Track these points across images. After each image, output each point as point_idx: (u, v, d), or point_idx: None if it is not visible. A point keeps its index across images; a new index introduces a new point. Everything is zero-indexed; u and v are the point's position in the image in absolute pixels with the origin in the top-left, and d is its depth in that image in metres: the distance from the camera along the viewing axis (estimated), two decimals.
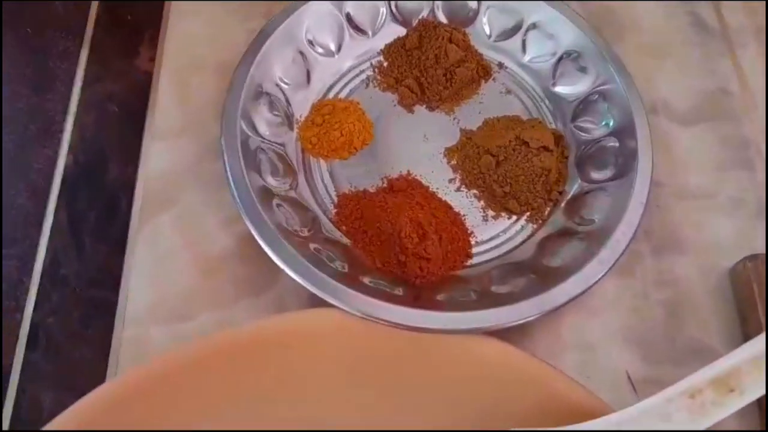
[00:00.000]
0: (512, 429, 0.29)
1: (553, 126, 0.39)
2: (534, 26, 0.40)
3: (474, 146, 0.37)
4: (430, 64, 0.39)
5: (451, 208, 0.36)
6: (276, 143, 0.37)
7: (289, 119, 0.38)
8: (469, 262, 0.35)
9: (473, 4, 0.41)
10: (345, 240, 0.35)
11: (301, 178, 0.37)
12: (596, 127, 0.38)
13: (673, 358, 0.34)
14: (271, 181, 0.35)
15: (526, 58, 0.41)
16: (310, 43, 0.39)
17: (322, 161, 0.38)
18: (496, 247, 0.36)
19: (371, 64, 0.41)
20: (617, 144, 0.37)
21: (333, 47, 0.40)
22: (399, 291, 0.32)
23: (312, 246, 0.33)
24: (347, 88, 0.40)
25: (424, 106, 0.40)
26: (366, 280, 0.32)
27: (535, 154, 0.36)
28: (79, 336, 0.33)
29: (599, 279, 0.32)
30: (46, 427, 0.27)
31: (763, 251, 0.35)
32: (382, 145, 0.38)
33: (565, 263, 0.33)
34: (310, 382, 0.30)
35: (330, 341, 0.31)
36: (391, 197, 0.35)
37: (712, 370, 0.28)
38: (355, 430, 0.30)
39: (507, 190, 0.36)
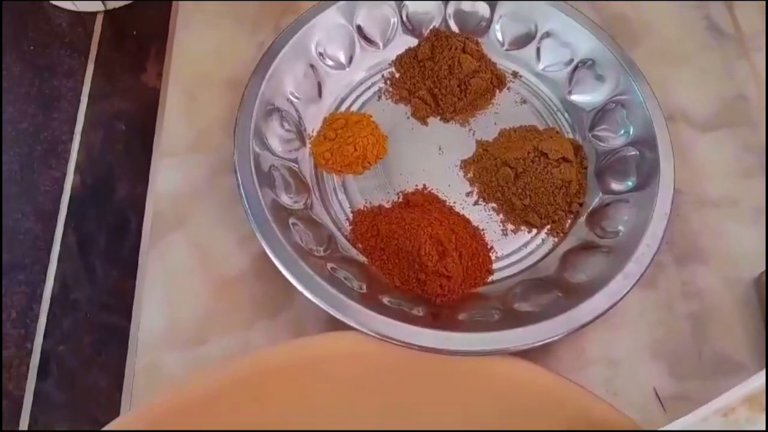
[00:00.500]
0: None
1: (570, 136, 0.38)
2: (548, 34, 0.39)
3: (491, 158, 0.37)
4: (443, 75, 0.38)
5: (469, 222, 0.36)
6: (289, 159, 0.36)
7: (301, 134, 0.37)
8: (491, 278, 0.34)
9: (486, 13, 0.40)
10: (362, 258, 0.34)
11: (315, 195, 0.36)
12: (615, 137, 0.37)
13: (700, 372, 0.33)
14: (285, 199, 0.34)
15: (541, 67, 0.40)
16: (321, 56, 0.38)
17: (335, 177, 0.37)
18: (518, 261, 0.35)
19: (383, 75, 0.40)
20: (637, 153, 0.36)
21: (344, 60, 0.39)
22: (419, 311, 0.32)
23: (329, 265, 0.32)
24: (359, 100, 0.39)
25: (438, 117, 0.39)
26: (385, 299, 0.32)
27: (554, 165, 0.35)
28: (92, 363, 0.32)
29: (625, 294, 0.31)
30: None
31: None
32: (396, 158, 0.37)
33: (589, 278, 0.32)
34: (331, 407, 0.29)
35: (350, 365, 0.30)
36: (407, 213, 0.34)
37: (745, 389, 0.27)
38: (364, 430, 0.29)
39: (527, 203, 0.35)
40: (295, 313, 0.33)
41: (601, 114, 0.38)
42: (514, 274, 0.34)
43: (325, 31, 0.38)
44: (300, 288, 0.30)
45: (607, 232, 0.34)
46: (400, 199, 0.36)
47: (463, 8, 0.40)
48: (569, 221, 0.36)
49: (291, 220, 0.33)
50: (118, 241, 0.35)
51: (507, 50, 0.40)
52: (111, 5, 0.42)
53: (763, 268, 0.34)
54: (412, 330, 0.30)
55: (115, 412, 0.31)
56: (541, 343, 0.30)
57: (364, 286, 0.32)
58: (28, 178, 0.36)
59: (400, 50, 0.40)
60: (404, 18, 0.40)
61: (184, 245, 0.35)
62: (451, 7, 0.40)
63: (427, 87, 0.38)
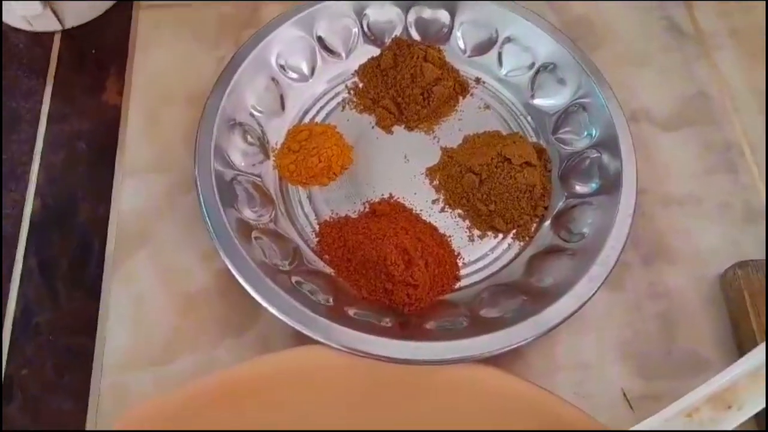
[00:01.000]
0: None
1: (534, 139, 0.38)
2: (509, 39, 0.39)
3: (456, 165, 0.37)
4: (406, 84, 0.38)
5: (436, 230, 0.36)
6: (252, 174, 0.36)
7: (264, 148, 0.37)
8: (458, 284, 0.34)
9: (446, 20, 0.40)
10: (328, 270, 0.34)
11: (280, 208, 0.36)
12: (578, 139, 0.37)
13: (669, 371, 0.33)
14: (249, 214, 0.34)
15: (503, 72, 0.40)
16: (282, 68, 0.38)
17: (300, 189, 0.37)
18: (485, 267, 0.35)
19: (346, 86, 0.40)
20: (600, 156, 0.36)
21: (306, 71, 0.39)
22: (387, 321, 0.31)
23: (294, 279, 0.32)
24: (323, 111, 0.39)
25: (403, 126, 0.39)
26: (352, 311, 0.31)
27: (518, 170, 0.35)
28: (56, 387, 0.32)
29: (591, 296, 0.31)
30: None
31: (752, 257, 0.35)
32: (362, 168, 0.37)
33: (555, 282, 0.32)
34: (300, 422, 0.29)
35: (318, 379, 0.30)
36: (374, 223, 0.34)
37: (708, 388, 0.27)
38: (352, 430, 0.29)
39: (492, 208, 0.35)
40: (261, 329, 0.33)
41: (563, 117, 0.38)
42: (482, 280, 0.34)
43: (285, 44, 0.38)
44: (265, 304, 0.30)
45: (572, 234, 0.34)
46: (367, 209, 0.36)
47: (424, 16, 0.40)
48: (534, 225, 0.36)
49: (255, 235, 0.33)
50: (81, 262, 0.34)
51: (469, 56, 0.40)
52: (68, 24, 0.41)
53: (728, 264, 0.35)
54: (379, 342, 0.29)
55: None
56: (508, 348, 0.30)
57: (331, 299, 0.32)
58: None
59: (363, 60, 0.40)
60: (365, 27, 0.40)
61: (148, 264, 0.34)
62: (412, 15, 0.40)
63: (390, 96, 0.38)
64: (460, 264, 0.35)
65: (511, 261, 0.35)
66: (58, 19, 0.41)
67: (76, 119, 0.38)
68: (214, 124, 0.34)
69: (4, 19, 0.41)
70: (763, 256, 0.35)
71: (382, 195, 0.36)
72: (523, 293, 0.33)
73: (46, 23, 0.41)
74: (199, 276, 0.34)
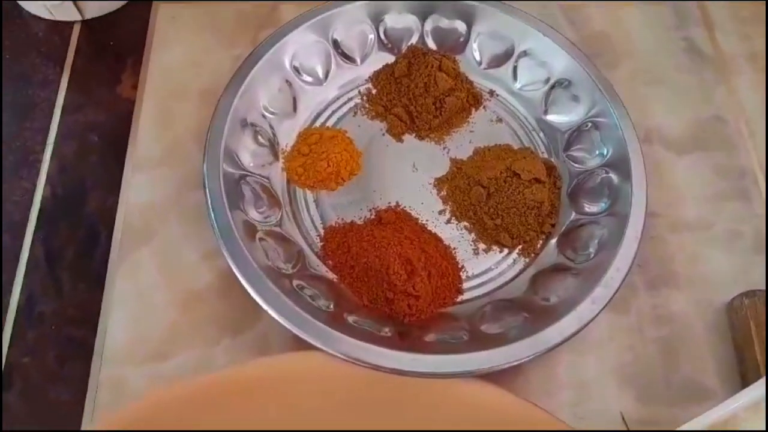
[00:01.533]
0: None
1: (545, 155, 0.38)
2: (525, 53, 0.39)
3: (464, 177, 0.36)
4: (419, 93, 0.38)
5: (441, 241, 0.35)
6: (260, 175, 0.36)
7: (274, 149, 0.37)
8: (460, 298, 0.34)
9: (464, 31, 0.40)
10: (331, 275, 0.34)
11: (287, 210, 0.36)
12: (590, 158, 0.37)
13: (669, 397, 0.33)
14: (255, 215, 0.34)
15: (518, 86, 0.40)
16: (297, 71, 0.38)
17: (308, 192, 0.37)
18: (488, 282, 0.35)
19: (359, 91, 0.40)
20: (611, 176, 0.36)
21: (320, 75, 0.39)
22: (386, 331, 0.31)
23: (296, 283, 0.32)
24: (335, 116, 0.39)
25: (414, 135, 0.39)
26: (352, 319, 0.31)
27: (526, 186, 0.35)
28: (56, 376, 0.32)
29: (593, 318, 0.31)
30: None
31: (760, 287, 0.34)
32: (370, 175, 0.37)
33: (558, 301, 0.32)
34: (294, 427, 0.29)
35: (315, 385, 0.30)
36: (379, 230, 0.34)
37: (708, 418, 0.27)
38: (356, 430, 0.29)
39: (498, 222, 0.35)
40: (261, 331, 0.33)
41: (576, 134, 0.38)
42: (484, 294, 0.34)
43: (302, 46, 0.38)
44: (264, 306, 0.30)
45: (578, 254, 0.34)
46: (373, 216, 0.36)
47: (441, 25, 0.40)
48: (541, 242, 0.36)
49: (259, 236, 0.33)
50: (87, 253, 0.34)
51: (484, 68, 0.40)
52: (89, 15, 0.41)
53: (735, 293, 0.34)
54: (376, 351, 0.29)
55: (76, 426, 0.31)
56: (507, 365, 0.30)
57: (332, 305, 0.32)
58: None
59: (377, 66, 0.40)
60: (382, 34, 0.40)
61: (153, 259, 0.34)
62: (429, 24, 0.40)
63: (403, 104, 0.38)
64: (463, 277, 0.35)
65: (515, 277, 0.35)
66: (79, 10, 0.41)
67: (90, 110, 0.38)
68: (226, 123, 0.34)
69: (26, 6, 0.41)
70: None
71: (389, 203, 0.36)
72: (526, 310, 0.32)
73: (67, 13, 0.41)
74: (202, 274, 0.34)
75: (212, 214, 0.32)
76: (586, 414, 0.32)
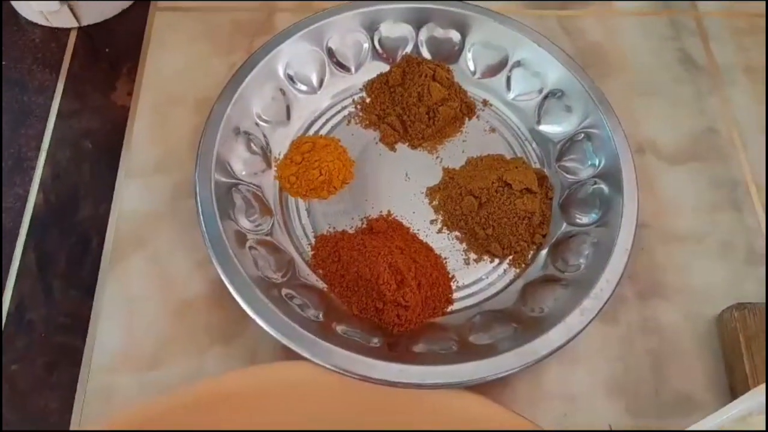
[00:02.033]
0: None
1: (538, 166, 0.38)
2: (519, 63, 0.39)
3: (456, 186, 0.36)
4: (412, 102, 0.38)
5: (432, 250, 0.35)
6: (252, 183, 0.36)
7: (267, 157, 0.37)
8: (450, 308, 0.34)
9: (458, 40, 0.40)
10: (321, 284, 0.34)
11: (278, 219, 0.36)
12: (582, 168, 0.37)
13: (658, 410, 0.33)
14: (246, 223, 0.34)
15: (511, 96, 0.40)
16: (291, 79, 0.38)
17: (300, 201, 0.37)
18: (478, 292, 0.35)
19: (353, 100, 0.40)
20: (602, 187, 0.36)
21: (314, 83, 0.39)
22: (375, 341, 0.31)
23: (285, 292, 0.32)
24: (329, 124, 0.39)
25: (407, 144, 0.39)
26: (341, 328, 0.31)
27: (518, 196, 0.35)
28: (44, 384, 0.32)
29: (582, 329, 0.31)
30: None
31: (751, 299, 0.34)
32: (362, 183, 0.37)
33: (547, 312, 0.32)
34: None
35: (303, 395, 0.30)
36: (370, 239, 0.34)
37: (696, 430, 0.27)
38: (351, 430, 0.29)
39: (489, 232, 0.35)
40: (251, 340, 0.33)
41: (568, 145, 0.38)
42: (474, 305, 0.34)
43: (296, 55, 0.38)
44: (253, 316, 0.30)
45: (568, 265, 0.34)
46: (364, 225, 0.36)
47: (436, 35, 0.40)
48: (532, 252, 0.36)
49: (250, 245, 0.33)
50: (78, 261, 0.35)
51: (478, 78, 0.40)
52: (85, 22, 0.42)
53: (726, 305, 0.34)
54: (364, 362, 0.29)
55: None
56: (495, 377, 0.30)
57: (321, 315, 0.32)
58: None
59: (372, 75, 0.40)
60: (376, 43, 0.40)
61: (144, 267, 0.35)
62: (424, 34, 0.40)
63: (396, 113, 0.38)
64: (453, 287, 0.35)
65: (506, 287, 0.35)
66: (75, 17, 0.41)
67: (84, 117, 0.39)
68: (218, 131, 0.34)
69: (22, 12, 0.42)
70: (763, 300, 0.35)
71: (381, 212, 0.36)
72: (515, 321, 0.32)
73: (63, 20, 0.41)
74: (192, 283, 0.34)
75: (202, 223, 0.32)
76: (574, 425, 0.32)
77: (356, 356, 0.29)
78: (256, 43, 0.41)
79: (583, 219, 0.36)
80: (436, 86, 0.38)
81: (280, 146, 0.38)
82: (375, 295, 0.32)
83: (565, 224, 0.36)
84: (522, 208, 0.35)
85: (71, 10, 0.40)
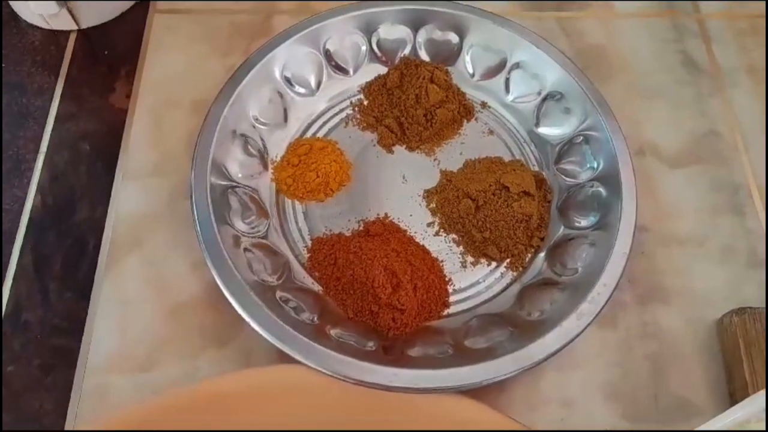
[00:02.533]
0: None
1: (536, 168, 0.38)
2: (518, 65, 0.39)
3: (454, 189, 0.36)
4: (410, 104, 0.38)
5: (428, 253, 0.35)
6: (249, 186, 0.36)
7: (263, 160, 0.37)
8: (447, 311, 0.34)
9: (456, 42, 0.40)
10: (317, 287, 0.34)
11: (274, 221, 0.36)
12: (581, 171, 0.37)
13: (656, 415, 0.32)
14: (242, 226, 0.34)
15: (510, 98, 0.40)
16: (288, 81, 0.38)
17: (297, 203, 0.37)
18: (475, 295, 0.34)
19: (351, 102, 0.40)
20: (601, 189, 0.35)
21: (312, 86, 0.39)
22: (370, 344, 0.31)
23: (280, 295, 0.32)
24: (326, 127, 0.39)
25: (404, 146, 0.39)
26: (336, 332, 0.31)
27: (515, 199, 0.35)
28: (39, 385, 0.32)
29: (579, 334, 0.31)
30: None
31: (751, 304, 0.34)
32: (359, 186, 0.37)
33: (544, 316, 0.32)
34: None
35: (297, 398, 0.29)
36: (366, 242, 0.34)
37: None
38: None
39: (486, 235, 0.35)
40: (245, 342, 0.33)
41: (567, 148, 0.38)
42: (470, 308, 0.34)
43: (293, 57, 0.38)
44: (248, 319, 0.30)
45: (566, 269, 0.34)
46: (361, 228, 0.36)
47: (434, 37, 0.40)
48: (529, 256, 0.35)
49: (245, 247, 0.33)
50: (75, 263, 0.35)
51: (477, 80, 0.40)
52: (84, 24, 0.42)
53: (726, 310, 0.34)
54: (357, 365, 0.29)
55: None
56: (490, 381, 0.29)
57: (316, 318, 0.32)
58: None
59: (369, 77, 0.40)
60: (374, 45, 0.40)
61: (140, 269, 0.35)
62: (422, 36, 0.40)
63: (394, 115, 0.38)
64: (450, 290, 0.34)
65: (503, 291, 0.34)
66: (75, 19, 0.41)
67: (83, 120, 0.39)
68: (215, 133, 0.34)
69: (22, 15, 0.42)
70: (763, 304, 0.34)
71: (378, 214, 0.36)
72: (511, 325, 0.32)
73: (63, 22, 0.41)
74: (189, 284, 0.34)
75: (197, 226, 0.32)
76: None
77: (351, 360, 0.29)
78: (254, 45, 0.41)
79: (582, 222, 0.35)
80: (434, 88, 0.38)
81: (277, 148, 0.38)
82: (370, 298, 0.32)
83: (563, 227, 0.36)
84: (519, 211, 0.34)
85: (70, 12, 0.40)
